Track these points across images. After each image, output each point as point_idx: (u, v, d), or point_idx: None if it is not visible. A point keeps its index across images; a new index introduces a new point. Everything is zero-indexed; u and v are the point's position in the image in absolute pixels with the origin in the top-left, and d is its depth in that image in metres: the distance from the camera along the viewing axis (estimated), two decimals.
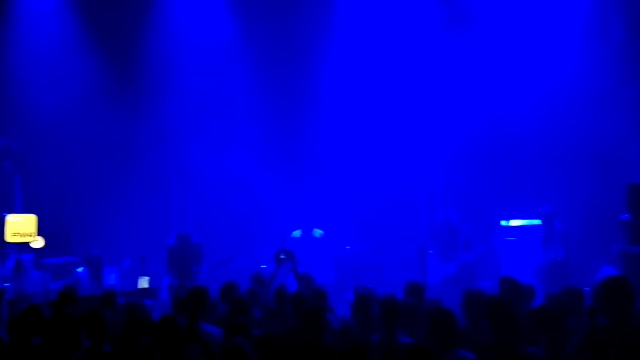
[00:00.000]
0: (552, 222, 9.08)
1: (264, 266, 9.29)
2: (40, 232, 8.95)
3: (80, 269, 9.28)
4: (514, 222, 9.99)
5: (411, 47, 11.09)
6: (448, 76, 10.90)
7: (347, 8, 11.44)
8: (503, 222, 10.07)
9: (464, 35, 10.79)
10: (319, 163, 11.53)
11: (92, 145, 11.50)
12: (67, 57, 11.35)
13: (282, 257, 6.96)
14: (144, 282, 8.74)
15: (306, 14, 11.43)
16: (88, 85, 11.37)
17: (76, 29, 11.49)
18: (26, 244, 8.87)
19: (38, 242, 9.28)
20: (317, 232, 9.99)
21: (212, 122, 11.75)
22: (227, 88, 11.76)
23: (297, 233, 9.97)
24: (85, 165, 11.42)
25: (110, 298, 6.26)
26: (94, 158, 11.49)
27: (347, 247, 10.55)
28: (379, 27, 11.25)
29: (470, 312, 5.06)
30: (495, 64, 10.65)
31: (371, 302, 5.42)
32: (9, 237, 8.54)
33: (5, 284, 8.96)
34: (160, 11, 11.73)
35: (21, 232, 8.59)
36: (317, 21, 11.41)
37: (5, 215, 8.73)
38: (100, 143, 11.58)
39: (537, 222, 9.59)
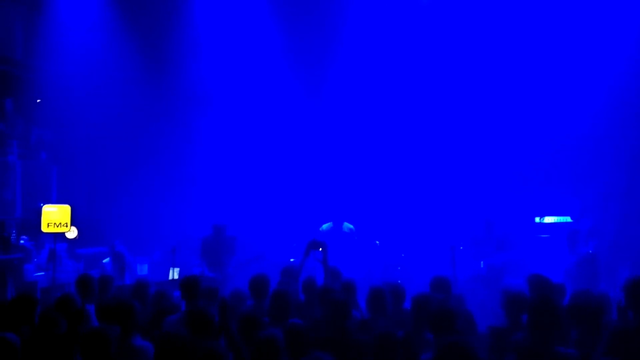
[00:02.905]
0: (579, 218, 8.86)
1: (293, 259, 9.29)
2: (74, 223, 9.08)
3: (106, 260, 9.43)
4: (548, 219, 9.81)
5: (446, 43, 10.94)
6: (486, 71, 10.70)
7: (372, 13, 11.35)
8: (537, 219, 9.89)
9: (502, 32, 10.56)
10: (350, 157, 11.51)
11: (127, 137, 11.67)
12: (102, 51, 11.51)
13: (313, 247, 6.91)
14: (174, 274, 8.82)
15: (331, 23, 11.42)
16: (122, 77, 11.49)
17: (111, 23, 11.64)
18: (61, 234, 9.02)
19: (72, 233, 9.43)
20: (347, 227, 9.93)
21: (246, 116, 11.82)
22: (259, 81, 11.80)
23: (326, 226, 9.93)
24: (119, 157, 11.60)
25: (143, 288, 6.33)
26: (128, 150, 11.66)
27: (377, 242, 10.48)
28: (412, 28, 11.14)
29: (512, 310, 5.01)
30: (533, 62, 10.45)
31: (384, 298, 5.48)
32: (45, 227, 8.69)
33: (40, 273, 9.17)
34: (191, 5, 11.83)
35: (56, 222, 8.73)
36: (343, 26, 11.36)
37: (41, 206, 8.89)
38: (134, 135, 11.74)
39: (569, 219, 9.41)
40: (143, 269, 10.28)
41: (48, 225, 8.68)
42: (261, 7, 11.70)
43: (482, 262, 9.24)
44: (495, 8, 10.59)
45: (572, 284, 7.26)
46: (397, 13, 11.21)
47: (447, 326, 4.48)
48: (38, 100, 11.35)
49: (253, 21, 11.77)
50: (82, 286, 6.12)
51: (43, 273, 9.17)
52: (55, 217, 8.74)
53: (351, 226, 9.94)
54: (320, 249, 6.73)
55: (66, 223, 8.83)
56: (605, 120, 9.92)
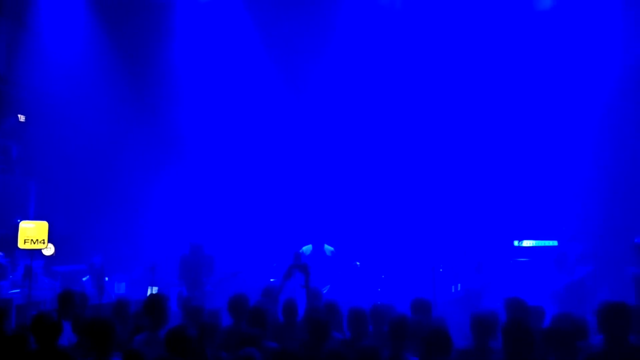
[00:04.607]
0: (569, 242, 8.91)
1: (273, 280, 9.26)
2: (51, 240, 8.97)
3: (85, 278, 9.30)
4: (527, 243, 9.91)
5: (435, 59, 11.01)
6: (471, 95, 10.84)
7: (362, 13, 11.36)
8: (516, 243, 9.99)
9: (489, 44, 10.70)
10: (330, 179, 11.55)
11: (105, 153, 11.60)
12: (83, 67, 11.45)
13: (294, 270, 6.89)
14: (152, 292, 8.73)
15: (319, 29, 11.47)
16: (103, 93, 11.46)
17: (95, 39, 11.62)
18: (37, 250, 8.89)
19: (49, 250, 9.31)
20: (328, 249, 9.93)
21: (226, 135, 11.83)
22: (241, 96, 11.84)
23: (307, 249, 9.92)
24: (97, 173, 11.50)
25: (123, 307, 6.28)
26: (106, 166, 11.57)
27: (357, 263, 10.49)
28: (413, 36, 11.17)
29: (478, 333, 5.03)
30: (520, 85, 10.59)
31: (365, 319, 5.51)
32: (21, 244, 8.56)
33: (15, 290, 9.00)
34: (173, 19, 11.90)
35: (33, 238, 8.61)
36: (331, 30, 11.40)
37: (18, 222, 8.77)
38: (113, 151, 11.67)
39: (551, 242, 9.48)
40: (121, 287, 10.17)
41: (25, 242, 8.56)
42: (246, 16, 11.74)
43: (459, 285, 9.29)
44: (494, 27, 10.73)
45: (559, 308, 7.34)
46: (389, 13, 11.24)
47: (439, 349, 4.49)
48: (22, 118, 11.21)
49: (238, 30, 11.80)
50: (63, 302, 6.04)
51: (19, 290, 9.00)
52: (32, 233, 8.62)
53: (332, 248, 9.93)
54: (303, 273, 6.73)
55: (43, 240, 8.71)
56: (586, 143, 10.07)
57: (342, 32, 11.37)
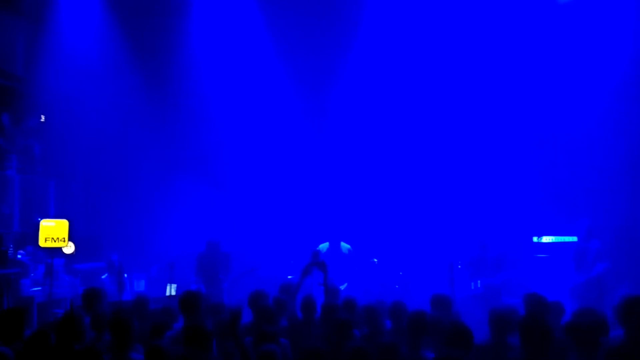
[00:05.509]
0: (589, 238, 8.77)
1: (291, 277, 9.28)
2: (71, 238, 9.06)
3: (104, 276, 9.40)
4: (546, 239, 9.81)
5: (448, 59, 10.95)
6: (485, 89, 10.74)
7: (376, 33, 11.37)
8: (535, 239, 9.90)
9: (502, 46, 10.61)
10: (347, 176, 11.54)
11: (124, 152, 11.70)
12: (102, 66, 11.56)
13: (313, 268, 6.91)
14: (171, 290, 8.79)
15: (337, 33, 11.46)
16: (123, 92, 11.56)
17: (113, 39, 11.72)
18: (58, 249, 8.98)
19: (69, 248, 9.40)
20: (344, 247, 9.91)
21: (243, 134, 11.88)
22: (258, 97, 11.88)
23: (324, 246, 9.91)
24: (117, 172, 11.61)
25: (142, 304, 6.34)
26: (125, 165, 11.67)
27: (375, 260, 10.46)
28: (416, 38, 11.11)
29: (496, 329, 5.00)
30: (535, 79, 10.47)
31: (379, 315, 5.56)
32: (42, 242, 8.65)
33: (37, 288, 9.12)
34: (193, 21, 11.94)
35: (54, 237, 8.70)
36: (346, 35, 11.41)
37: (39, 220, 8.86)
38: (132, 150, 11.77)
39: (570, 238, 9.37)
40: (140, 285, 10.24)
41: (45, 240, 8.65)
42: (261, 26, 11.77)
43: (479, 281, 9.22)
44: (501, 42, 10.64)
45: (578, 304, 7.26)
46: (401, 35, 11.19)
47: (460, 344, 4.48)
48: (42, 119, 11.34)
49: (253, 38, 11.84)
50: (88, 299, 6.13)
51: (40, 288, 9.11)
52: (53, 231, 8.70)
53: (348, 246, 9.92)
54: (321, 271, 6.75)
55: (64, 238, 8.79)
56: (604, 137, 9.92)
57: (360, 29, 11.36)
